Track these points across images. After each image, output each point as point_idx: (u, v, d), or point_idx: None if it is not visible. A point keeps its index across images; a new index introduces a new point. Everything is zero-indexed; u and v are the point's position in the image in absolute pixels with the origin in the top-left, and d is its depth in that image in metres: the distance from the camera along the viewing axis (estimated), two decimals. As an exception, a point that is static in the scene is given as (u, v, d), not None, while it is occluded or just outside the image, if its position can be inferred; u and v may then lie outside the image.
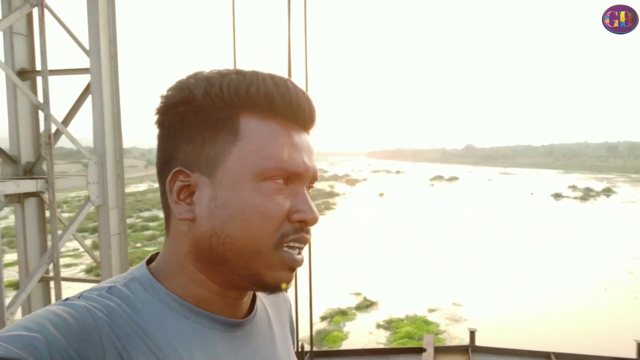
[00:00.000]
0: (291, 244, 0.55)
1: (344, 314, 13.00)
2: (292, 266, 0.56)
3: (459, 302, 13.74)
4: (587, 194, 45.05)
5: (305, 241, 0.56)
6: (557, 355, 4.60)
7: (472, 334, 4.69)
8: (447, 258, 18.97)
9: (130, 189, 51.43)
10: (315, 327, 12.13)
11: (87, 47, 3.68)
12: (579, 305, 13.46)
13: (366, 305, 13.71)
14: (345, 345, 11.34)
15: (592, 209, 35.61)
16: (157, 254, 0.60)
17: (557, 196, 44.13)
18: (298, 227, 0.55)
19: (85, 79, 3.78)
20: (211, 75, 0.55)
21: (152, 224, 28.99)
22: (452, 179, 68.45)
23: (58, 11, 3.75)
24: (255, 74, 0.55)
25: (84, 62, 3.78)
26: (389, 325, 12.25)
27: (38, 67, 3.80)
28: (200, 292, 0.56)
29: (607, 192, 47.59)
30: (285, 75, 0.58)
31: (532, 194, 46.75)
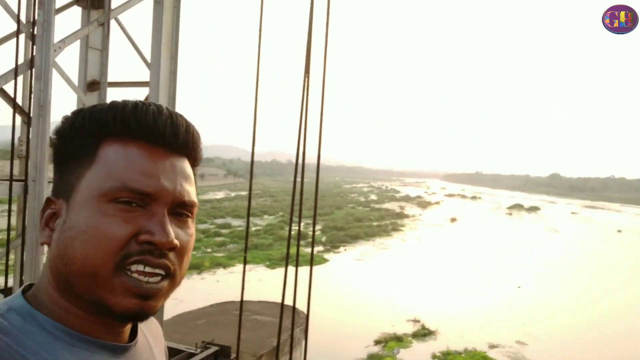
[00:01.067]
0: (135, 267, 0.53)
1: (399, 340, 12.64)
2: (137, 292, 0.53)
3: (525, 340, 12.86)
4: (688, 237, 40.60)
5: (155, 264, 0.54)
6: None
7: None
8: (517, 292, 17.90)
9: (208, 195, 53.84)
10: (368, 351, 11.90)
11: (149, 60, 3.94)
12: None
13: (423, 333, 13.24)
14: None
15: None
16: (32, 284, 0.60)
17: (651, 236, 40.22)
18: (145, 249, 0.53)
19: (145, 91, 4.04)
20: (88, 108, 0.58)
21: (224, 231, 30.03)
22: (533, 208, 64.72)
23: (129, 26, 4.07)
24: (123, 103, 0.57)
25: (146, 75, 4.04)
26: (445, 357, 11.73)
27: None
28: (76, 318, 0.56)
29: None
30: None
31: (619, 231, 43.02)
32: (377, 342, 12.48)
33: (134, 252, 0.53)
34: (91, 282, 0.53)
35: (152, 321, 0.69)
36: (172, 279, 0.56)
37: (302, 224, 4.05)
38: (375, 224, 36.40)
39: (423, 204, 62.58)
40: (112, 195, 0.53)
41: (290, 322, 3.88)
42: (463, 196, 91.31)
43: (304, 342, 3.42)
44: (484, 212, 57.92)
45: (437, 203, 67.92)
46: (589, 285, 19.87)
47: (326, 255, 23.55)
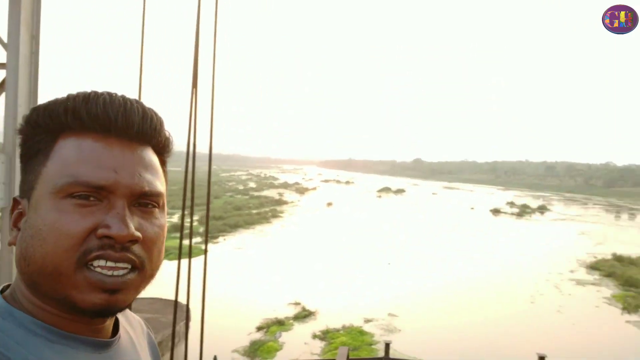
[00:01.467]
0: (97, 262, 0.52)
1: (280, 324, 12.95)
2: (101, 287, 0.52)
3: (395, 313, 14.02)
4: (524, 211, 47.26)
5: (116, 258, 0.52)
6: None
7: (387, 346, 4.82)
8: (388, 269, 19.35)
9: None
10: (251, 338, 12.02)
11: (5, 40, 3.54)
12: (506, 317, 14.07)
13: (304, 315, 13.72)
14: (280, 356, 11.29)
15: (526, 226, 37.41)
16: (9, 285, 0.59)
17: (496, 212, 46.04)
18: (105, 243, 0.52)
19: (1, 74, 3.63)
20: (45, 102, 0.57)
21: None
22: (399, 191, 69.97)
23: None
24: (76, 94, 0.56)
25: (2, 56, 3.63)
26: (325, 335, 12.32)
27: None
28: (53, 315, 0.55)
29: (542, 209, 50.12)
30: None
31: (472, 208, 48.51)
32: (259, 328, 12.65)
33: (93, 247, 0.52)
34: (54, 281, 0.52)
35: (134, 317, 0.70)
36: (140, 271, 0.55)
37: (186, 215, 3.98)
38: (254, 211, 36.43)
39: (301, 190, 64.07)
40: (67, 191, 0.52)
41: (177, 317, 3.82)
42: (338, 181, 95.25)
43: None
44: (357, 196, 61.19)
45: (314, 189, 70.02)
46: (448, 257, 22.20)
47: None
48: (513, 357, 10.10)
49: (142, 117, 0.57)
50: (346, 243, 25.03)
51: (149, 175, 0.57)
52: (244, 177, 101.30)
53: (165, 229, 0.59)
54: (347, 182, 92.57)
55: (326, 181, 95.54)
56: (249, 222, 30.64)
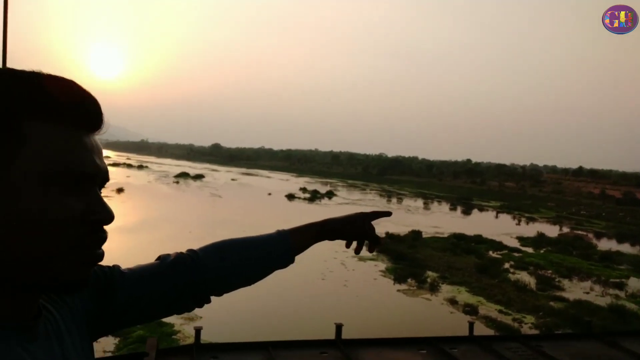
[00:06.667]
0: (91, 243, 0.56)
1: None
2: (93, 263, 0.58)
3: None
4: (315, 196, 51.35)
5: (102, 240, 0.58)
6: (273, 344, 4.96)
7: (198, 332, 4.68)
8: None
9: None
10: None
11: None
12: (303, 294, 15.13)
13: (94, 311, 12.42)
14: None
15: (317, 209, 40.74)
16: None
17: (291, 197, 48.96)
18: (96, 228, 0.56)
19: None
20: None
21: None
22: (198, 176, 68.69)
23: None
24: (35, 75, 0.54)
25: None
26: (118, 331, 11.36)
27: None
28: None
29: (330, 194, 55.19)
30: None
31: (269, 194, 50.64)
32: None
33: (86, 232, 0.55)
34: (42, 264, 0.53)
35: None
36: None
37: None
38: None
39: (86, 174, 57.62)
40: (56, 178, 0.53)
41: None
42: (129, 165, 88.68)
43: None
44: (152, 181, 57.93)
45: (102, 173, 63.76)
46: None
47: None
48: (315, 328, 10.86)
49: (99, 107, 0.60)
50: (142, 230, 23.51)
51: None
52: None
53: None
54: (140, 167, 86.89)
55: (115, 164, 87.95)
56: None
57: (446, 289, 16.97)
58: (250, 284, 0.98)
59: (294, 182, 73.94)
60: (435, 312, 14.64)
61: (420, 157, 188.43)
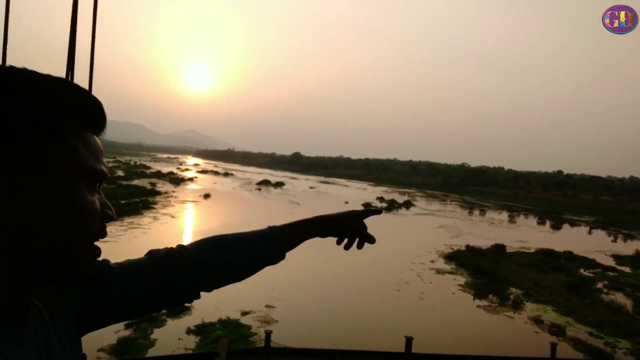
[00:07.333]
0: (100, 237, 0.63)
1: (151, 320, 12.23)
2: (97, 257, 0.64)
3: (272, 304, 14.09)
4: (392, 205, 50.73)
5: (105, 236, 0.64)
6: (341, 353, 4.95)
7: (268, 336, 4.78)
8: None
9: None
10: (119, 335, 11.19)
11: None
12: (376, 304, 14.96)
13: (178, 310, 13.12)
14: (152, 353, 10.68)
15: (394, 219, 40.20)
16: None
17: (367, 206, 48.72)
18: (103, 225, 0.63)
19: None
20: (31, 82, 0.57)
21: None
22: (279, 184, 70.59)
23: None
24: (63, 81, 0.59)
25: None
26: (200, 330, 11.93)
27: None
28: None
29: (407, 204, 54.25)
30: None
31: (346, 202, 50.80)
32: (127, 326, 11.82)
33: (99, 227, 0.62)
34: (66, 254, 0.58)
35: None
36: None
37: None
38: (123, 202, 34.01)
39: (176, 181, 61.36)
40: (85, 178, 0.59)
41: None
42: (216, 172, 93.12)
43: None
44: (236, 188, 60.42)
45: (191, 180, 67.61)
46: (323, 249, 22.94)
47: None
48: (384, 341, 10.72)
49: (104, 110, 0.65)
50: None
51: None
52: (110, 165, 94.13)
53: None
54: (226, 174, 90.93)
55: (203, 172, 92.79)
56: (117, 213, 28.42)
57: (531, 308, 15.98)
58: (240, 280, 0.99)
59: (371, 191, 73.60)
60: (517, 331, 13.83)
61: (506, 167, 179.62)
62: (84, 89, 0.60)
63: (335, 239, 1.17)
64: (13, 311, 0.56)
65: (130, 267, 0.83)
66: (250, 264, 0.98)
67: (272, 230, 1.02)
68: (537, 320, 14.59)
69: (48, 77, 0.57)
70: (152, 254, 0.89)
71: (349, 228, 1.10)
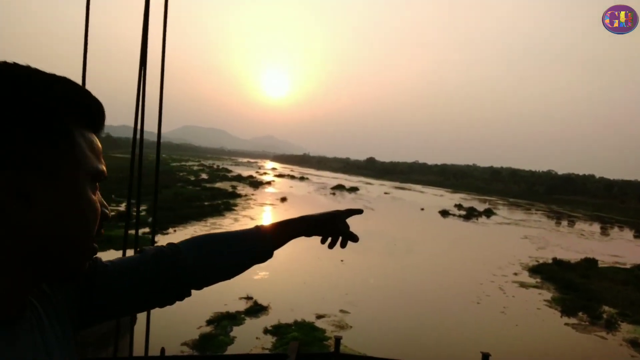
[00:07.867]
0: (97, 235, 0.63)
1: (231, 318, 12.71)
2: (94, 255, 0.64)
3: (346, 309, 14.09)
4: (471, 213, 48.85)
5: (103, 234, 0.65)
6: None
7: (337, 341, 4.75)
8: (340, 266, 19.46)
9: None
10: (200, 331, 11.73)
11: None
12: (452, 316, 14.45)
13: (256, 310, 13.53)
14: (231, 350, 11.08)
15: (473, 227, 38.69)
16: None
17: (444, 213, 47.36)
18: (101, 224, 0.64)
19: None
20: (45, 83, 0.58)
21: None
22: (353, 189, 70.68)
23: None
24: (67, 80, 0.59)
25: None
26: (277, 330, 12.20)
27: None
28: None
29: (488, 213, 52.00)
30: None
31: (422, 209, 49.70)
32: (209, 322, 12.37)
33: (99, 226, 0.64)
34: (73, 250, 0.60)
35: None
36: None
37: (138, 205, 3.75)
38: (206, 203, 35.71)
39: (255, 184, 63.43)
40: (88, 177, 0.61)
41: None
42: (292, 177, 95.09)
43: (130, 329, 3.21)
44: (312, 192, 61.28)
45: (269, 183, 69.55)
46: (399, 255, 22.60)
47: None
48: (458, 355, 10.34)
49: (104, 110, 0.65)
50: (300, 239, 24.94)
51: None
52: (195, 168, 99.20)
53: None
54: (302, 178, 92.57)
55: (280, 176, 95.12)
56: (200, 215, 29.97)
57: (627, 329, 14.68)
58: (229, 278, 1.01)
59: (448, 198, 71.48)
60: (610, 353, 12.75)
61: (597, 175, 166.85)
62: (85, 89, 0.60)
63: (323, 238, 1.23)
64: (12, 310, 0.57)
65: (122, 265, 0.83)
66: (239, 262, 1.00)
67: (260, 230, 1.05)
68: (634, 343, 13.37)
69: (52, 77, 0.58)
70: (143, 252, 0.89)
71: (333, 227, 1.16)
